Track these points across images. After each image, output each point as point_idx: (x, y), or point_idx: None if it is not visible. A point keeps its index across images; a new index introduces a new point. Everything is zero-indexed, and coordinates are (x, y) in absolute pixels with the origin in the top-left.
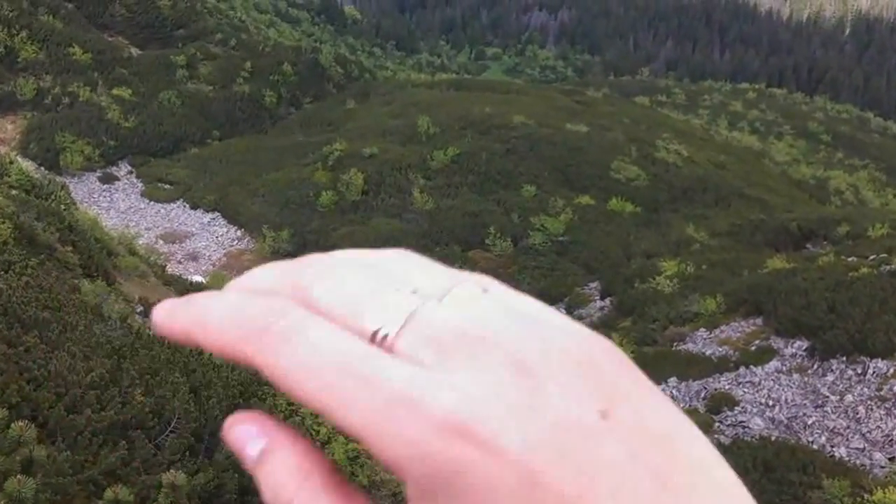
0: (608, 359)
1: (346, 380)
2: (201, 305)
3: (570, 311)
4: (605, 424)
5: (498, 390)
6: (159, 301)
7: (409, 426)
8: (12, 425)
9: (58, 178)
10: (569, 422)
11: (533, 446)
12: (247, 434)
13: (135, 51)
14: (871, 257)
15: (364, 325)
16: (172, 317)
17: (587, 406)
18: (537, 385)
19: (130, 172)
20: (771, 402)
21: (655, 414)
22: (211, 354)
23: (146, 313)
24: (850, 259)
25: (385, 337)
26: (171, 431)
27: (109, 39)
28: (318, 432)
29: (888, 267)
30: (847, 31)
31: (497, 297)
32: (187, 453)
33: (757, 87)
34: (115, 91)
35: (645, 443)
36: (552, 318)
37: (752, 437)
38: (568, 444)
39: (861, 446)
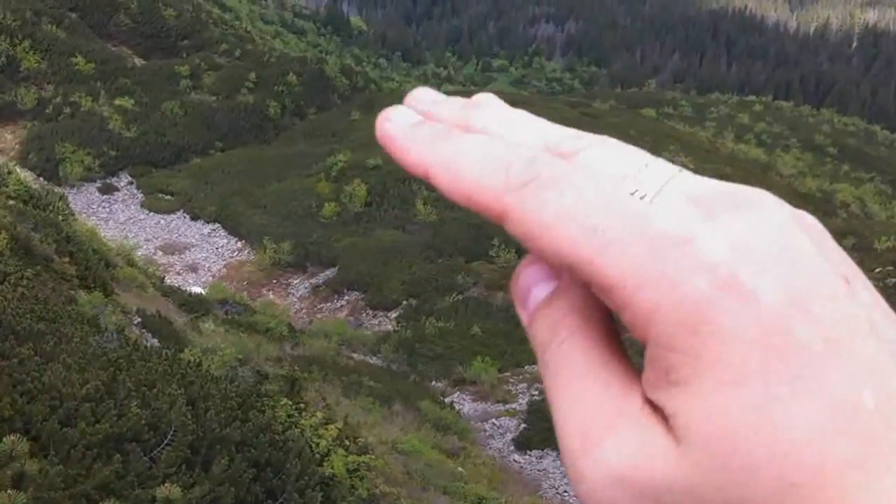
0: (827, 236)
1: (613, 222)
2: (454, 143)
3: None
4: (848, 290)
5: (763, 244)
6: (161, 318)
7: (676, 267)
8: (4, 439)
9: (57, 189)
10: (821, 284)
11: (787, 302)
12: (538, 274)
13: (138, 61)
14: (877, 270)
15: (626, 187)
16: (413, 141)
17: (834, 271)
18: (794, 247)
19: (131, 183)
20: None
21: (876, 293)
22: (209, 366)
23: (144, 325)
24: None
25: (643, 197)
26: (167, 444)
27: (113, 49)
28: (317, 444)
29: (894, 279)
30: (854, 44)
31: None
32: (183, 466)
33: (764, 99)
34: (117, 101)
35: (881, 315)
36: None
37: None
38: (818, 305)
39: None
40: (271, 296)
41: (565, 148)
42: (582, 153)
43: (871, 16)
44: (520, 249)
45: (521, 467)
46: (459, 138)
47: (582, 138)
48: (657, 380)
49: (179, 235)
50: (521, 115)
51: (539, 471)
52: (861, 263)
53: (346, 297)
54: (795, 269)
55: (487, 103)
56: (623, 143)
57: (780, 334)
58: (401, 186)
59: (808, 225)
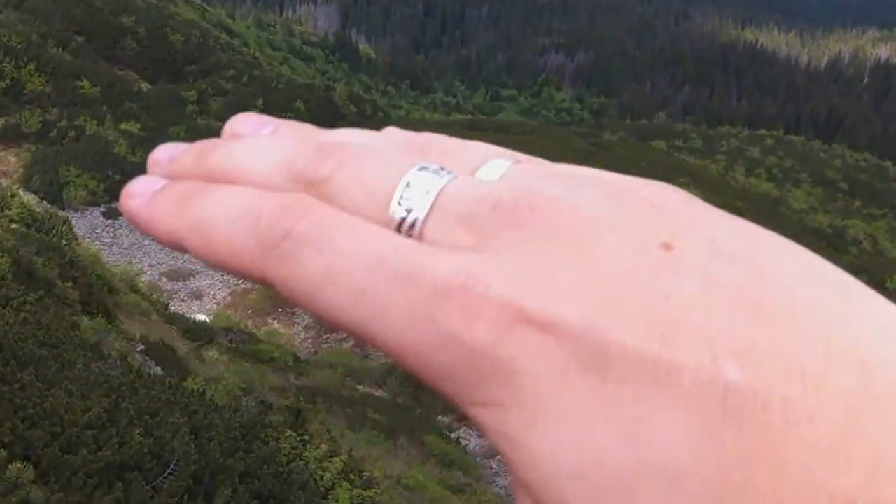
0: (669, 196)
1: (377, 278)
2: (202, 203)
3: None
4: (670, 256)
5: (547, 261)
6: (164, 345)
7: (454, 321)
8: (10, 466)
9: (60, 213)
10: (627, 269)
11: (595, 311)
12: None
13: (145, 85)
14: None
15: (389, 213)
16: (157, 211)
17: (646, 245)
18: (588, 240)
19: None
20: None
21: (730, 235)
22: (213, 395)
23: (147, 352)
24: None
25: (413, 223)
26: (169, 473)
27: (119, 73)
28: (322, 477)
29: None
30: (865, 80)
31: (528, 168)
32: (186, 497)
33: (775, 133)
34: (123, 125)
35: (722, 266)
36: (594, 172)
37: None
38: (632, 296)
39: None
40: (276, 325)
41: (315, 174)
42: (335, 176)
43: (883, 51)
44: None
45: None
46: (205, 196)
47: (331, 156)
48: (503, 442)
49: (184, 262)
50: (261, 142)
51: None
52: None
53: None
54: (590, 273)
55: (228, 136)
56: (386, 147)
57: (602, 354)
58: None
59: (635, 196)
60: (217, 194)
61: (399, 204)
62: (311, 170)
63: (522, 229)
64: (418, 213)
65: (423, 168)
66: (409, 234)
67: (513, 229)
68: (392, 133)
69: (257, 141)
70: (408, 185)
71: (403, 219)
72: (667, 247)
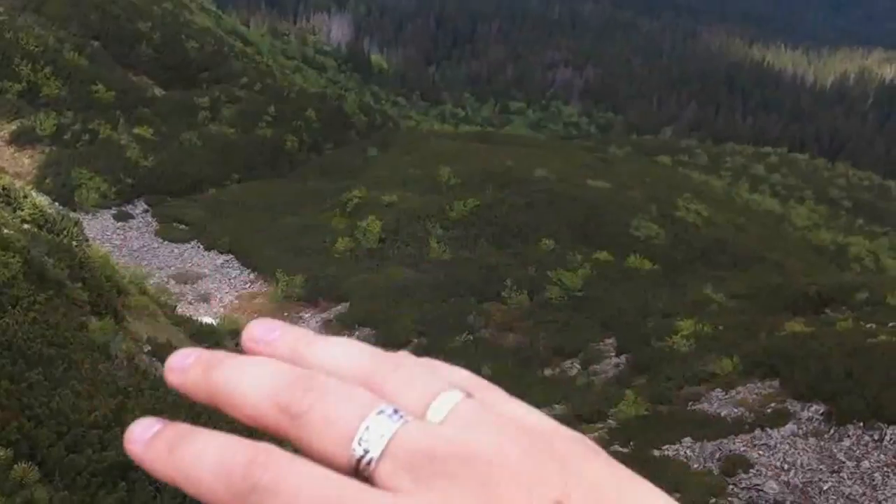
0: (577, 451)
1: None
2: (186, 452)
3: (584, 367)
4: None
5: None
6: (172, 347)
7: None
8: (15, 466)
9: (72, 214)
10: None
11: None
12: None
13: (159, 91)
14: (890, 324)
15: (350, 451)
16: (152, 457)
17: (542, 499)
18: (496, 491)
19: (146, 211)
20: (786, 466)
21: (618, 492)
22: None
23: (154, 353)
24: (868, 325)
25: (370, 462)
26: None
27: (134, 79)
28: None
29: None
30: (870, 101)
31: (472, 407)
32: (187, 497)
33: (779, 151)
34: (136, 130)
35: None
36: (525, 420)
37: (767, 500)
38: None
39: None
40: None
41: (296, 409)
42: (310, 415)
43: (889, 72)
44: (532, 293)
45: None
46: (190, 444)
47: (309, 391)
48: None
49: (192, 265)
50: (254, 370)
51: None
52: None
53: (357, 334)
54: None
55: (246, 341)
56: (351, 385)
57: None
58: (415, 224)
59: (546, 450)
60: (199, 444)
61: (359, 444)
62: (293, 405)
63: (447, 479)
64: (373, 454)
65: (380, 412)
66: (365, 471)
67: (441, 478)
68: (369, 354)
69: (251, 369)
70: (367, 428)
71: (361, 457)
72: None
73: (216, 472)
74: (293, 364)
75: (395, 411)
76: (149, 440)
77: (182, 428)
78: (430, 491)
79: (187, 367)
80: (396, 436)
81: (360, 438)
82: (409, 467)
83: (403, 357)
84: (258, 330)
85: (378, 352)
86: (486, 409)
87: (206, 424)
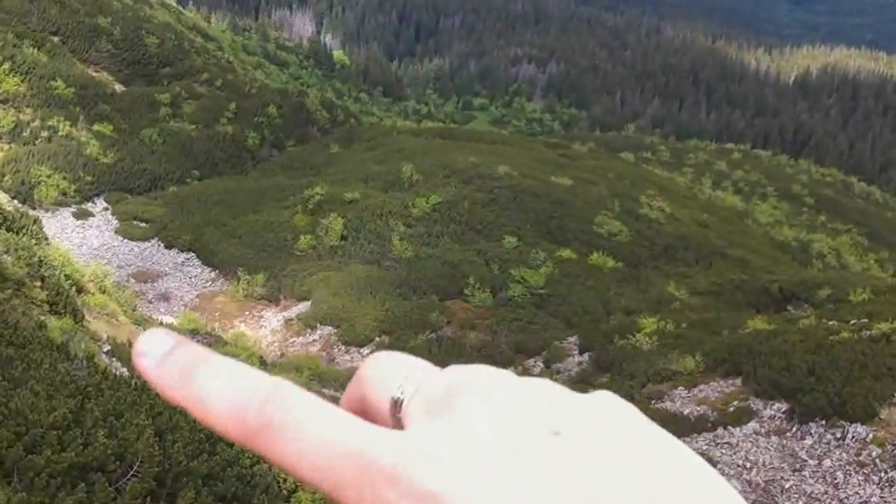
0: (577, 396)
1: (336, 464)
2: (201, 382)
3: (547, 366)
4: (557, 440)
5: (449, 436)
6: (130, 340)
7: (387, 489)
8: None
9: (31, 212)
10: (515, 441)
11: (455, 479)
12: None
13: (119, 87)
14: (852, 322)
15: (390, 394)
16: (165, 380)
17: (539, 427)
18: (493, 417)
19: (106, 209)
20: (748, 465)
21: (613, 430)
22: None
23: (113, 353)
24: (830, 323)
25: (400, 402)
26: (132, 475)
27: (94, 74)
28: (285, 480)
29: (869, 332)
30: (833, 96)
31: (482, 366)
32: (148, 498)
33: (742, 147)
34: (96, 126)
35: (603, 453)
36: (530, 380)
37: None
38: (505, 465)
39: None
40: (243, 328)
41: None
42: (365, 368)
43: (852, 68)
44: (495, 291)
45: None
46: (204, 373)
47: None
48: None
49: (153, 263)
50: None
51: None
52: (836, 314)
53: (319, 332)
54: (468, 443)
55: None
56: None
57: None
58: (378, 221)
59: (547, 388)
60: (214, 375)
61: (398, 390)
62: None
63: (449, 410)
64: (406, 397)
65: (422, 367)
66: (399, 412)
67: (446, 410)
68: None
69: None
70: (405, 377)
71: (396, 399)
72: (556, 433)
73: (230, 407)
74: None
75: (431, 370)
76: (161, 358)
77: (197, 352)
78: (437, 421)
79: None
80: (426, 381)
81: (401, 385)
82: (428, 402)
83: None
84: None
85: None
86: (493, 370)
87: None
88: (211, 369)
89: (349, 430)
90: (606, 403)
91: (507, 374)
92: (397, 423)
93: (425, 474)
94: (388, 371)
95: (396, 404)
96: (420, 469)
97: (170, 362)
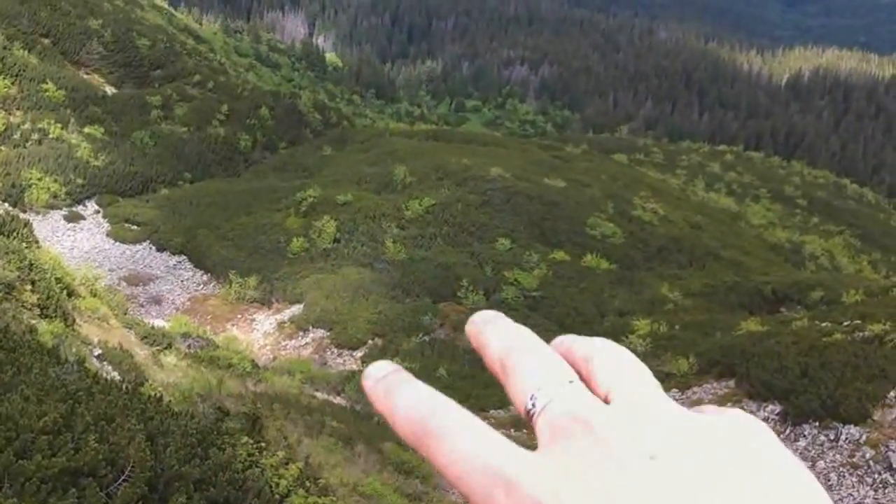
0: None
1: (473, 475)
2: (396, 399)
3: None
4: (653, 463)
5: (561, 464)
6: (123, 350)
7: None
8: None
9: (21, 215)
10: (610, 461)
11: (561, 491)
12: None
13: (110, 89)
14: (845, 323)
15: (527, 404)
16: (375, 394)
17: (636, 452)
18: (600, 448)
19: (97, 212)
20: None
21: (721, 455)
22: (170, 401)
23: (104, 357)
24: (823, 324)
25: (533, 416)
26: (124, 480)
27: (85, 77)
28: (277, 484)
29: (861, 333)
30: (825, 98)
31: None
32: (140, 503)
33: (734, 149)
34: (86, 129)
35: (697, 478)
36: (655, 402)
37: None
38: (604, 482)
39: None
40: (235, 331)
41: (506, 361)
42: (514, 367)
43: (844, 70)
44: (488, 293)
45: None
46: (398, 392)
47: (515, 351)
48: None
49: (144, 266)
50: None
51: None
52: (829, 316)
53: (312, 335)
54: (578, 463)
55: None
56: (547, 350)
57: None
58: (371, 223)
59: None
60: (403, 392)
61: (531, 400)
62: (506, 361)
63: (568, 438)
64: (537, 410)
65: (558, 381)
66: (531, 422)
67: (565, 437)
68: (556, 345)
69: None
70: (540, 388)
71: (530, 410)
72: (652, 456)
73: (405, 417)
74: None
75: (571, 382)
76: (377, 380)
77: (400, 377)
78: (555, 446)
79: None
80: (554, 399)
81: (532, 395)
82: (552, 427)
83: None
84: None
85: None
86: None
87: None
88: (404, 388)
89: (488, 447)
90: (730, 426)
91: (628, 406)
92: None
93: (533, 489)
94: (528, 370)
95: (528, 414)
96: (529, 483)
97: (379, 384)
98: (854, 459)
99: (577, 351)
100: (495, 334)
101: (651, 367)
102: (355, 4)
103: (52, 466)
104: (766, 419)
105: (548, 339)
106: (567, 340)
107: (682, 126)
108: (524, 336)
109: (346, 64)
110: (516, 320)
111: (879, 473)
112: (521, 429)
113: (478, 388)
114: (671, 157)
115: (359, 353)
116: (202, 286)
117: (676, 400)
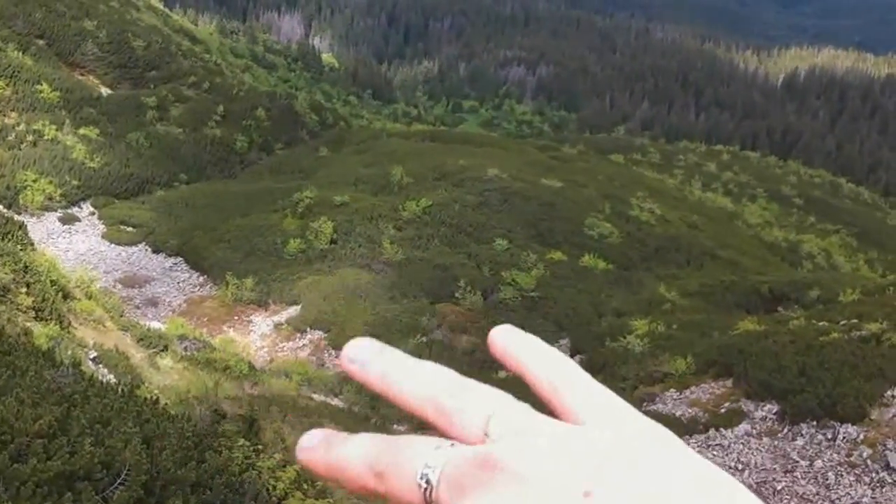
0: (605, 447)
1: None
2: (340, 450)
3: None
4: (587, 500)
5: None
6: (118, 353)
7: None
8: None
9: (16, 217)
10: None
11: None
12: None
13: (105, 90)
14: (842, 322)
15: (418, 490)
16: (310, 460)
17: (569, 493)
18: (525, 493)
19: (92, 213)
20: (740, 466)
21: (654, 480)
22: (166, 403)
23: (100, 359)
24: (821, 323)
25: (430, 492)
26: (120, 484)
27: (80, 78)
28: (274, 487)
29: (859, 332)
30: (821, 97)
31: (505, 425)
32: None
33: (731, 149)
34: (82, 130)
35: None
36: (552, 428)
37: None
38: None
39: None
40: (232, 332)
41: (377, 468)
42: (386, 471)
43: (839, 69)
44: (486, 294)
45: None
46: (341, 444)
47: (383, 453)
48: None
49: (140, 268)
50: (351, 449)
51: None
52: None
53: (309, 336)
54: None
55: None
56: (411, 437)
57: None
58: (368, 224)
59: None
60: (347, 444)
61: (421, 479)
62: (377, 467)
63: (484, 487)
64: (433, 483)
65: (437, 448)
66: (431, 500)
67: (479, 488)
68: (446, 378)
69: (349, 449)
70: (426, 464)
71: (425, 489)
72: (587, 494)
73: (358, 464)
74: (383, 388)
75: (452, 444)
76: (311, 446)
77: (327, 440)
78: (470, 501)
79: (315, 445)
80: (447, 463)
81: (421, 474)
82: (457, 486)
83: (471, 382)
84: (352, 351)
85: (452, 377)
86: (533, 419)
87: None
88: (346, 441)
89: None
90: (644, 446)
91: (536, 439)
92: None
93: None
94: (400, 460)
95: (426, 495)
96: None
97: (318, 444)
98: (852, 458)
99: (404, 383)
100: (352, 446)
101: (649, 368)
102: (352, 5)
103: (48, 470)
104: (763, 418)
105: (548, 340)
106: (377, 362)
107: (678, 126)
108: (379, 440)
109: (343, 65)
110: (514, 321)
111: (877, 472)
112: None
113: None
114: (668, 157)
115: None
116: (198, 288)
117: (675, 400)
